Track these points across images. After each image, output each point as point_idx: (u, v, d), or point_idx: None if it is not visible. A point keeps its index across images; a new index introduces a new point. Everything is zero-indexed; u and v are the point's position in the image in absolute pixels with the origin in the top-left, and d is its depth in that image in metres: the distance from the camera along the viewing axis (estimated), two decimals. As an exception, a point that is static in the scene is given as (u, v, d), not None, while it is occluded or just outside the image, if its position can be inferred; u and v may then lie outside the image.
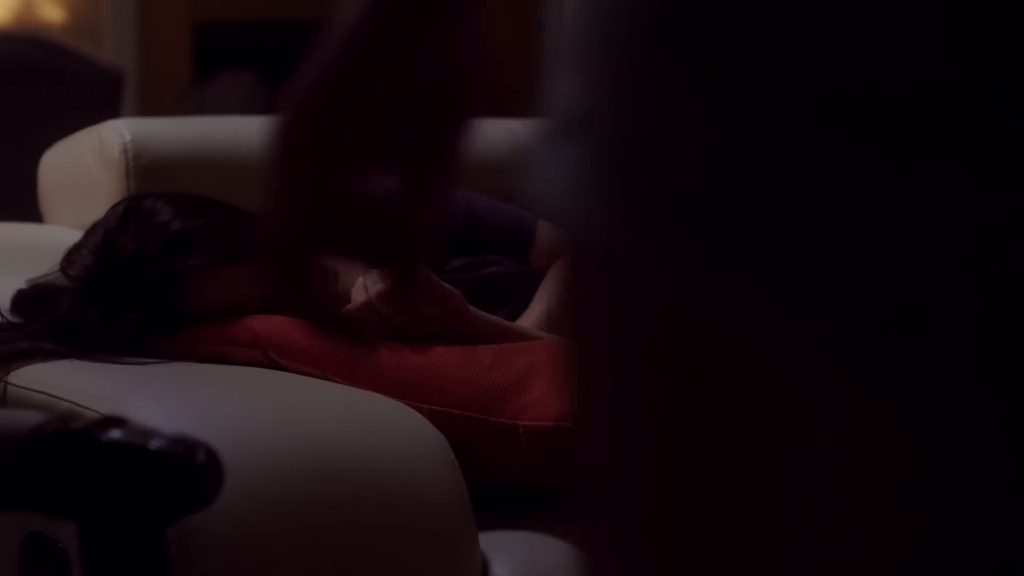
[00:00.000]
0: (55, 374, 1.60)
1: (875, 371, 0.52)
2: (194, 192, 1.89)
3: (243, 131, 2.14)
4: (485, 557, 1.50)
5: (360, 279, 1.70)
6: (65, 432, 1.09)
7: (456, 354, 1.62)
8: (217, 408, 1.47)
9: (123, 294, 1.73)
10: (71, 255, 1.81)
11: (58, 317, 1.72)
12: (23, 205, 2.80)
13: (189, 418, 1.44)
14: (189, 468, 1.07)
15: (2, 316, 1.76)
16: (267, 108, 5.18)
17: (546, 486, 1.61)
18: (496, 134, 2.37)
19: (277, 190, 0.70)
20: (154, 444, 1.08)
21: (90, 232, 1.82)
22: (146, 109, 5.90)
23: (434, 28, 0.69)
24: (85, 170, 2.08)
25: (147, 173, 2.01)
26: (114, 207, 1.83)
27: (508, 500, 1.60)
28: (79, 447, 1.08)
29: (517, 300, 1.93)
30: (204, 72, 6.25)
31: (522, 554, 1.52)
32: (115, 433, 1.08)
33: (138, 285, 1.73)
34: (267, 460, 1.41)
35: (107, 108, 3.95)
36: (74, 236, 2.03)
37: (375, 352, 1.64)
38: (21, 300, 1.79)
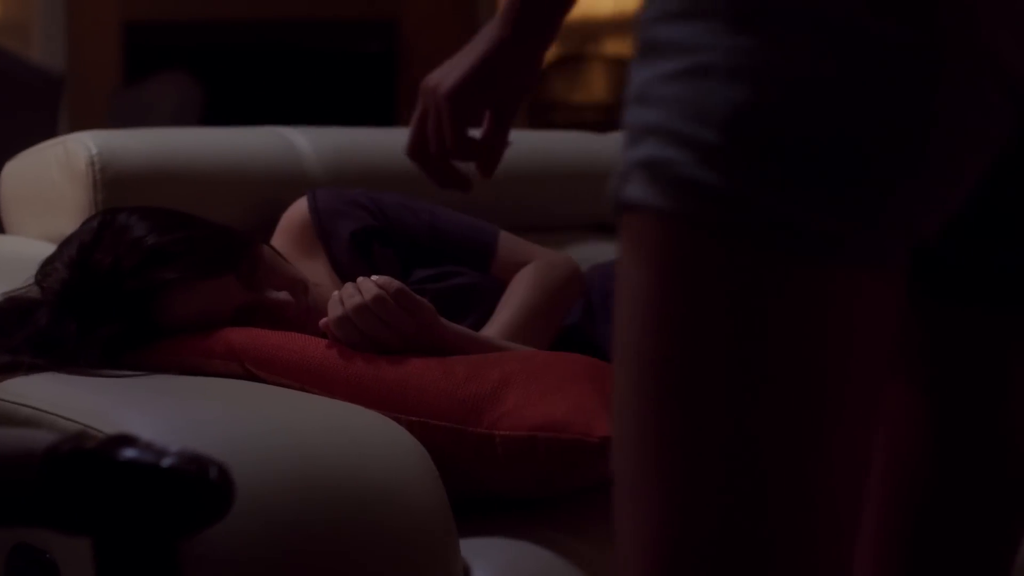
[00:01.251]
0: (39, 388, 1.63)
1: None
2: (163, 204, 1.92)
3: (209, 143, 2.17)
4: (466, 563, 1.55)
5: (336, 292, 1.74)
6: (80, 451, 1.13)
7: (432, 366, 1.66)
8: (205, 420, 1.51)
9: (100, 308, 1.76)
10: (45, 268, 1.83)
11: (36, 330, 1.74)
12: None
13: (178, 431, 1.48)
14: (202, 485, 1.12)
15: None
16: (203, 109, 5.18)
17: (523, 493, 1.67)
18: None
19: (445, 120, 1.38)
20: (167, 462, 1.12)
21: (64, 245, 1.84)
22: (76, 109, 5.89)
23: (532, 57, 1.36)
24: (51, 182, 2.10)
25: (114, 185, 2.04)
26: (88, 221, 1.86)
27: (487, 507, 1.65)
28: (94, 466, 1.12)
29: (480, 310, 1.98)
30: (134, 72, 6.24)
31: (502, 560, 1.57)
32: (130, 452, 1.12)
33: (115, 299, 1.76)
34: (257, 471, 1.45)
35: (46, 111, 3.96)
36: (38, 246, 2.06)
37: (352, 364, 1.68)
38: (-3, 313, 1.81)
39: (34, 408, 1.58)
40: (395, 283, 1.72)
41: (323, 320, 1.73)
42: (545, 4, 1.37)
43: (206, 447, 1.44)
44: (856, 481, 0.95)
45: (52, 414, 1.55)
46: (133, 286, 1.76)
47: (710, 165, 0.93)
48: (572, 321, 2.07)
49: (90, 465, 1.12)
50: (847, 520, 0.94)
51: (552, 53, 6.30)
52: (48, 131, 4.08)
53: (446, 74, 1.38)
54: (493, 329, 1.93)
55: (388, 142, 2.35)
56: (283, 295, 1.85)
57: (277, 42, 6.58)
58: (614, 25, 6.08)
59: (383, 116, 6.48)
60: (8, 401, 1.62)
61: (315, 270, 2.01)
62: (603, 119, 5.78)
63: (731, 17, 0.94)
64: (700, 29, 0.95)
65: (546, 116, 6.14)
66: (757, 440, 0.92)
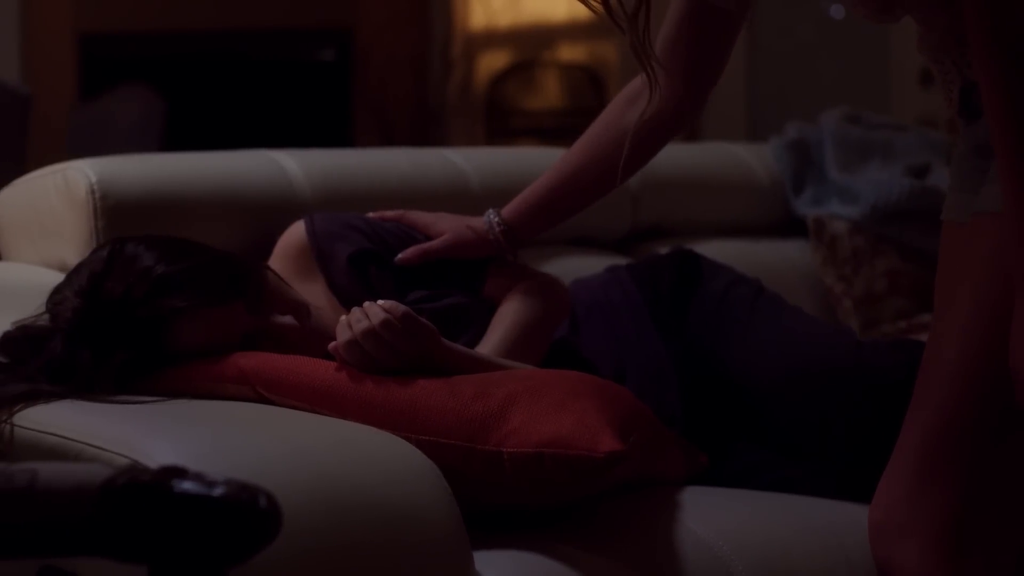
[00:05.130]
0: (61, 415, 1.68)
1: None
2: (161, 230, 1.98)
3: (203, 168, 2.23)
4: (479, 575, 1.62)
5: (343, 317, 1.80)
6: (136, 483, 1.19)
7: (439, 386, 1.73)
8: (226, 445, 1.57)
9: (113, 336, 1.81)
10: (55, 297, 1.88)
11: (51, 359, 1.80)
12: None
13: (201, 456, 1.53)
14: (253, 513, 1.18)
15: (-8, 357, 1.84)
16: (165, 121, 5.21)
17: (530, 506, 1.74)
18: (436, 165, 2.48)
19: None
20: (218, 492, 1.19)
21: (73, 274, 1.89)
22: (34, 122, 5.89)
23: None
24: (50, 210, 2.15)
25: (114, 213, 2.10)
26: (97, 250, 1.91)
27: (494, 520, 1.72)
28: (150, 497, 1.18)
29: (473, 330, 2.05)
30: (90, 84, 6.25)
31: (513, 571, 1.64)
32: (184, 483, 1.18)
33: (127, 327, 1.81)
34: (280, 492, 1.51)
35: (14, 130, 3.99)
36: (42, 273, 2.11)
37: (363, 385, 1.74)
38: (8, 342, 1.86)
39: (60, 436, 1.63)
40: (401, 307, 1.78)
41: (332, 344, 1.79)
42: None
43: (229, 471, 1.50)
44: None
45: (79, 442, 1.60)
46: (144, 314, 1.81)
47: None
48: (559, 335, 2.14)
49: (146, 497, 1.18)
50: None
51: (506, 60, 6.37)
52: (17, 150, 4.12)
53: None
54: (488, 348, 2.00)
55: (377, 164, 2.42)
56: (288, 319, 1.91)
57: (232, 51, 6.62)
58: (568, 31, 6.16)
59: (338, 123, 6.53)
60: (31, 429, 1.67)
61: (313, 293, 2.07)
62: (559, 125, 5.85)
63: None
64: None
65: (503, 123, 6.21)
66: None
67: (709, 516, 1.83)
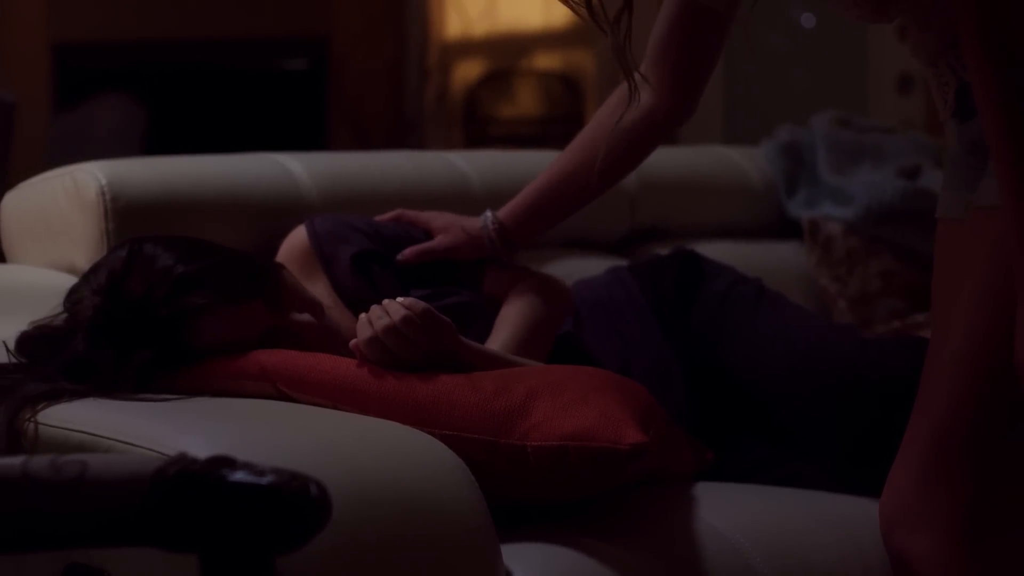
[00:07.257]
0: (87, 413, 1.68)
1: None
2: (171, 231, 1.99)
3: (210, 171, 2.24)
4: (507, 568, 1.64)
5: (363, 315, 1.82)
6: (187, 473, 1.20)
7: (461, 381, 1.75)
8: (256, 440, 1.58)
9: (134, 334, 1.82)
10: (73, 296, 1.89)
11: (73, 357, 1.80)
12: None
13: (234, 451, 1.53)
14: (305, 501, 1.20)
15: (11, 356, 1.84)
16: (146, 131, 5.21)
17: (554, 500, 1.76)
18: (439, 168, 2.50)
19: None
20: (268, 480, 1.20)
21: (91, 274, 1.90)
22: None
23: None
24: (58, 212, 2.16)
25: (125, 214, 2.11)
26: (114, 251, 1.92)
27: (518, 514, 1.74)
28: (202, 487, 1.19)
29: (477, 328, 2.07)
30: (64, 94, 6.24)
31: (540, 563, 1.66)
32: (236, 472, 1.19)
33: (148, 326, 1.82)
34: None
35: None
36: (47, 274, 2.12)
37: (384, 381, 1.75)
38: (27, 342, 1.87)
39: (88, 433, 1.63)
40: (420, 304, 1.80)
41: (353, 341, 1.80)
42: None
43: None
44: None
45: (108, 438, 1.61)
46: (166, 313, 1.82)
47: None
48: (565, 329, 2.16)
49: (197, 486, 1.19)
50: None
51: (482, 68, 6.39)
52: (0, 157, 4.11)
53: None
54: (496, 345, 2.01)
55: (380, 166, 2.43)
56: (306, 317, 1.92)
57: (207, 61, 6.61)
58: (544, 39, 6.19)
59: (314, 133, 6.53)
60: (58, 427, 1.67)
61: (317, 294, 2.08)
62: (536, 133, 5.88)
63: None
64: None
65: (480, 131, 6.22)
66: None
67: (724, 509, 1.85)
